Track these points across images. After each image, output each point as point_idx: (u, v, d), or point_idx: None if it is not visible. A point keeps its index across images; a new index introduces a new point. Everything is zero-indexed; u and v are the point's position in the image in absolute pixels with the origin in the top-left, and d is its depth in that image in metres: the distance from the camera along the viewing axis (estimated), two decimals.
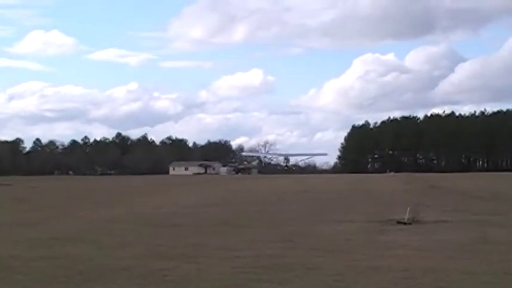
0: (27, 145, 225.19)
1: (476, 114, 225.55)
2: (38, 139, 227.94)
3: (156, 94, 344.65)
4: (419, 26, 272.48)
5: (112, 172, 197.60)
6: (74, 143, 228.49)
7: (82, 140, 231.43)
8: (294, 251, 16.71)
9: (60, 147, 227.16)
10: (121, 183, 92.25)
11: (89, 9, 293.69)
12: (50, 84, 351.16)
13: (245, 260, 15.20)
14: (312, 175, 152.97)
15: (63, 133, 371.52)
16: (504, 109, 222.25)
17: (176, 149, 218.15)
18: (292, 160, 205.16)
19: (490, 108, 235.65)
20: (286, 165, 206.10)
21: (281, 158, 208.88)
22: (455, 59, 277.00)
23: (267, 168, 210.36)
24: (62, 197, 50.58)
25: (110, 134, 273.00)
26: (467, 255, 15.64)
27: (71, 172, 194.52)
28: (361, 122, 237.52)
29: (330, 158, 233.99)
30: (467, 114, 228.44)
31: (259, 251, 16.72)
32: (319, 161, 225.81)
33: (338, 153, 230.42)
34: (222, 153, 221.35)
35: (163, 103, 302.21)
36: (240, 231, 21.99)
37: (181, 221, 26.28)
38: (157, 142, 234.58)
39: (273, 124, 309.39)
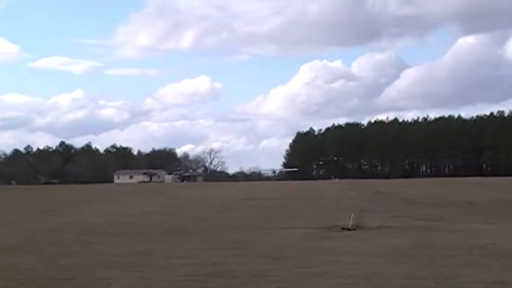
0: None
1: (419, 120, 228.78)
2: None
3: (101, 102, 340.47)
4: (366, 32, 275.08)
5: (56, 181, 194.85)
6: (16, 152, 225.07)
7: (25, 149, 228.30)
8: (239, 258, 16.73)
9: (3, 156, 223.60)
10: (65, 192, 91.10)
11: (33, 17, 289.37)
12: None
13: (190, 267, 15.17)
14: (257, 182, 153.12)
15: (6, 142, 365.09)
16: (446, 115, 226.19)
17: (121, 157, 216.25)
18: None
19: (434, 114, 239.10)
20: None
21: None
22: (400, 66, 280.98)
23: (212, 176, 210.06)
24: (4, 206, 49.81)
25: (53, 142, 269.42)
26: (410, 260, 15.85)
27: (13, 181, 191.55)
28: (306, 129, 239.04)
29: (275, 165, 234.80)
30: (410, 120, 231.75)
31: (204, 259, 16.70)
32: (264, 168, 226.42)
33: (283, 160, 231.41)
34: (167, 161, 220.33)
35: (108, 111, 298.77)
36: (185, 239, 21.95)
37: (127, 230, 26.11)
38: (102, 150, 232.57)
39: (219, 131, 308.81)
